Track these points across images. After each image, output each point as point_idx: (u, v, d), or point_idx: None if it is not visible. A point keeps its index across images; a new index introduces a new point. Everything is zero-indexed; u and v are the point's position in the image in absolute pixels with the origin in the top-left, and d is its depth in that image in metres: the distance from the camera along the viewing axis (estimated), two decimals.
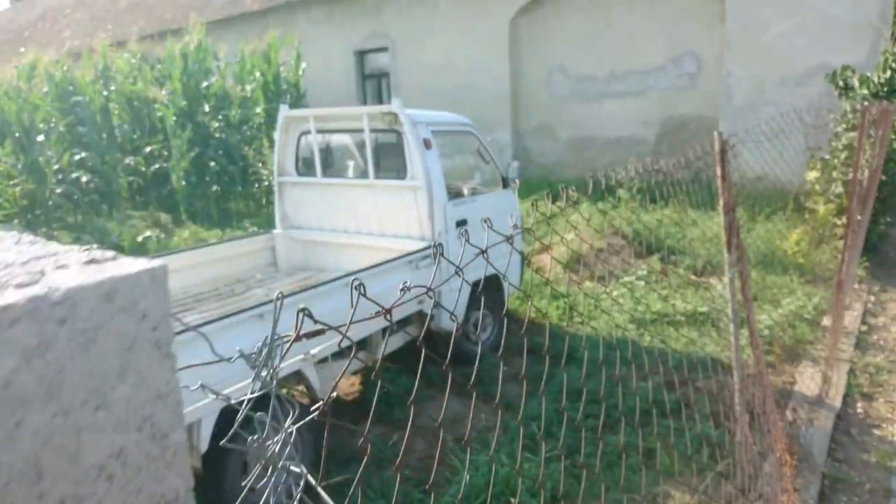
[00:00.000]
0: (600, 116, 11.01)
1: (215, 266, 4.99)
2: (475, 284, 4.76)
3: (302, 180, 5.04)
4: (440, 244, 4.43)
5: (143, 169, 10.65)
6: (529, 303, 4.87)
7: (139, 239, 8.49)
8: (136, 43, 12.74)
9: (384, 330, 3.96)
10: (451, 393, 4.35)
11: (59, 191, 9.74)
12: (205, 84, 10.59)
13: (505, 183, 5.24)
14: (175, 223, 10.10)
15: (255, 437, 1.00)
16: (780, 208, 7.72)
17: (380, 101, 13.73)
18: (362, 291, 1.04)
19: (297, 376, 3.41)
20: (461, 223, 4.52)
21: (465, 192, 4.86)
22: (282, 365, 3.12)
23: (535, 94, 11.62)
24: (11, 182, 9.17)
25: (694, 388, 3.69)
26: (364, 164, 4.69)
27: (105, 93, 10.65)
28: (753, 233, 7.06)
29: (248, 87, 11.17)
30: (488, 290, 4.93)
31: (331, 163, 5.06)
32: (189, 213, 10.51)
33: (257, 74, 11.27)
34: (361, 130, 4.48)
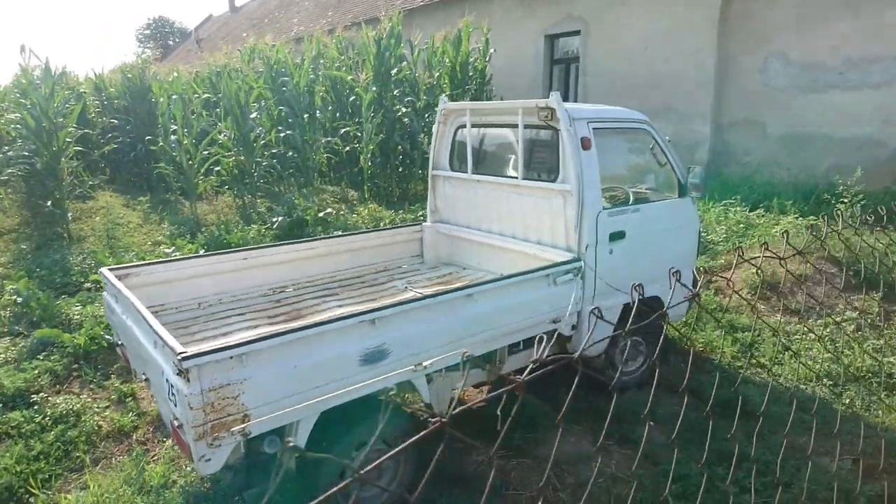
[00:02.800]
0: (826, 111, 9.25)
1: (366, 253, 5.06)
2: (626, 306, 4.18)
3: (454, 175, 4.84)
4: (578, 260, 3.91)
5: (339, 148, 11.41)
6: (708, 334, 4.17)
7: (321, 214, 9.09)
8: (345, 30, 13.63)
9: (511, 346, 3.62)
10: (583, 428, 3.89)
11: (264, 163, 10.85)
12: (395, 70, 10.95)
13: (682, 191, 4.51)
14: (359, 201, 10.69)
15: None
16: None
17: (566, 86, 13.12)
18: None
19: (410, 384, 3.23)
20: (617, 235, 3.96)
21: (630, 199, 4.25)
22: (389, 375, 2.88)
23: (744, 82, 10.14)
24: (227, 153, 10.40)
25: None
26: (515, 163, 4.33)
27: (312, 76, 11.54)
28: None
29: (435, 74, 11.33)
30: (645, 312, 4.32)
31: (483, 159, 4.78)
32: (372, 192, 11.06)
33: (446, 61, 11.37)
34: (516, 126, 4.13)
